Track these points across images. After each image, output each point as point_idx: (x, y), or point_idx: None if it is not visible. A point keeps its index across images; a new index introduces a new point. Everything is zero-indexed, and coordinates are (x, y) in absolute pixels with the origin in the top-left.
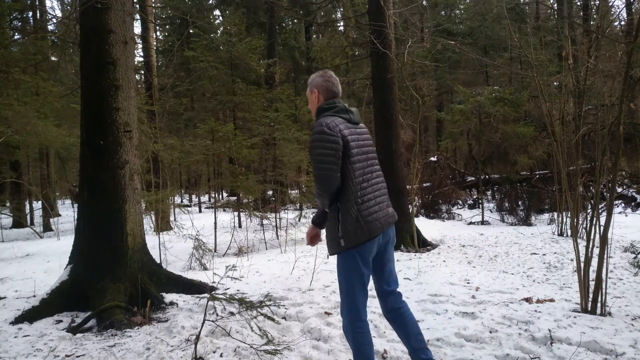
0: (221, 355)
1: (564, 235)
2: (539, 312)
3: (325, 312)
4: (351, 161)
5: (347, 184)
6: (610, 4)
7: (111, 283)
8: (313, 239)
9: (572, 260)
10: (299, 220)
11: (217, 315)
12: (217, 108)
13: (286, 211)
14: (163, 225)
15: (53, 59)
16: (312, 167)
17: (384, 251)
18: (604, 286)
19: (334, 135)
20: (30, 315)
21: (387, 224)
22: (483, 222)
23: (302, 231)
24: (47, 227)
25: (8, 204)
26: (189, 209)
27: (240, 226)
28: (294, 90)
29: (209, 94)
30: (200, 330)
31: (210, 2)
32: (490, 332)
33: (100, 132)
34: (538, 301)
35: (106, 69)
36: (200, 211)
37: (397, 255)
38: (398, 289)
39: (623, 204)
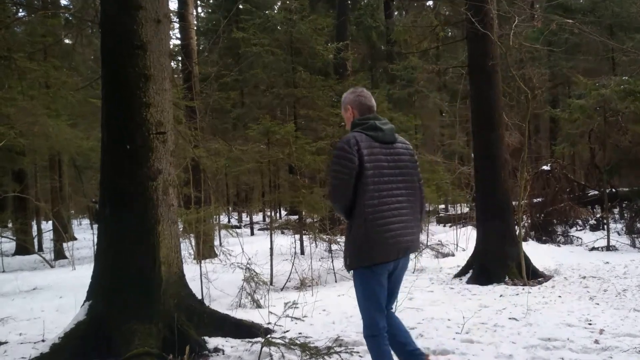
0: None
1: None
2: None
3: None
4: (364, 181)
5: (358, 203)
6: None
7: (140, 324)
8: None
9: None
10: None
11: None
12: (273, 103)
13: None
14: (206, 251)
15: (67, 42)
16: (328, 181)
17: (393, 277)
18: None
19: (350, 153)
20: None
21: (397, 252)
22: (609, 248)
23: None
24: (59, 254)
25: (10, 225)
26: (238, 230)
27: (302, 253)
28: (371, 81)
29: (264, 86)
30: None
31: None
32: None
33: (126, 134)
34: None
35: (134, 54)
36: (252, 234)
37: (500, 288)
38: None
39: None
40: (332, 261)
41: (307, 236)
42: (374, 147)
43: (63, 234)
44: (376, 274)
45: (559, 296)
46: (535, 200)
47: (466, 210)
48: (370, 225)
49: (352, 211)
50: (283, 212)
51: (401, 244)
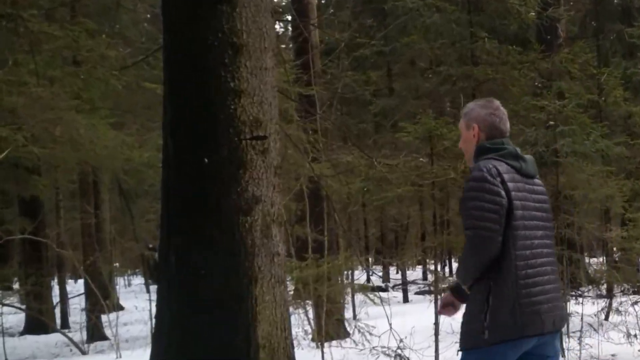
0: None
1: None
2: None
3: None
4: (514, 225)
5: (506, 255)
6: None
7: None
8: (445, 308)
9: None
10: (606, 319)
11: None
12: (440, 91)
13: (579, 300)
14: (331, 327)
15: None
16: (464, 224)
17: None
18: None
19: (495, 184)
20: None
21: (552, 323)
22: None
23: (609, 339)
24: (95, 333)
25: (16, 285)
26: (383, 295)
27: None
28: (597, 55)
29: (424, 63)
30: None
31: None
32: None
33: (203, 140)
34: None
35: (216, 11)
36: (405, 300)
37: None
38: None
39: None
40: None
41: None
42: (517, 180)
43: (102, 300)
44: (510, 354)
45: None
46: None
47: None
48: (523, 285)
49: (494, 267)
50: (455, 266)
51: (556, 311)
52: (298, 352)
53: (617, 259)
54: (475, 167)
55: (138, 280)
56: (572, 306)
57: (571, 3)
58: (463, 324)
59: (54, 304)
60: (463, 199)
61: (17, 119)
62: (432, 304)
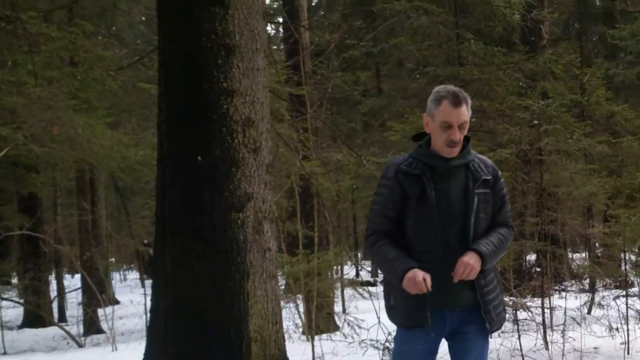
0: None
1: None
2: None
3: None
4: None
5: None
6: None
7: None
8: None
9: None
10: (588, 313)
11: None
12: (427, 91)
13: (563, 294)
14: (321, 322)
15: None
16: (507, 215)
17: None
18: None
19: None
20: None
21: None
22: None
23: (591, 332)
24: (92, 326)
25: (15, 280)
26: (371, 289)
27: None
28: (580, 56)
29: (412, 64)
30: None
31: None
32: None
33: (196, 139)
34: None
35: (209, 13)
36: None
37: None
38: None
39: None
40: (519, 337)
41: None
42: None
43: (98, 295)
44: None
45: None
46: None
47: None
48: None
49: None
50: None
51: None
52: (289, 345)
53: (599, 254)
54: (486, 159)
55: (133, 275)
56: (556, 300)
57: (555, 5)
58: (498, 307)
59: (52, 298)
60: (504, 190)
61: (16, 118)
62: None
